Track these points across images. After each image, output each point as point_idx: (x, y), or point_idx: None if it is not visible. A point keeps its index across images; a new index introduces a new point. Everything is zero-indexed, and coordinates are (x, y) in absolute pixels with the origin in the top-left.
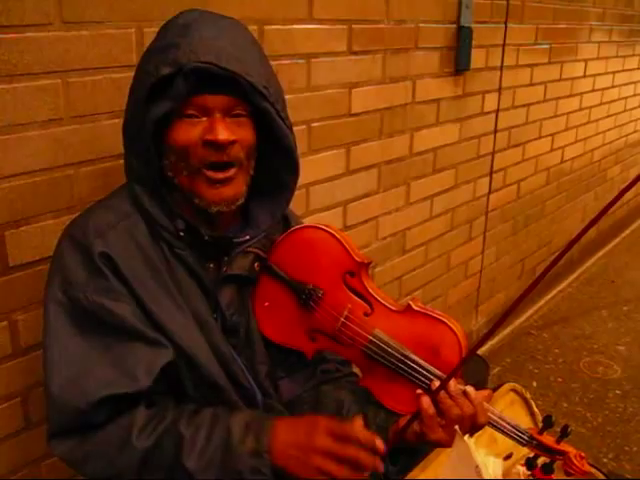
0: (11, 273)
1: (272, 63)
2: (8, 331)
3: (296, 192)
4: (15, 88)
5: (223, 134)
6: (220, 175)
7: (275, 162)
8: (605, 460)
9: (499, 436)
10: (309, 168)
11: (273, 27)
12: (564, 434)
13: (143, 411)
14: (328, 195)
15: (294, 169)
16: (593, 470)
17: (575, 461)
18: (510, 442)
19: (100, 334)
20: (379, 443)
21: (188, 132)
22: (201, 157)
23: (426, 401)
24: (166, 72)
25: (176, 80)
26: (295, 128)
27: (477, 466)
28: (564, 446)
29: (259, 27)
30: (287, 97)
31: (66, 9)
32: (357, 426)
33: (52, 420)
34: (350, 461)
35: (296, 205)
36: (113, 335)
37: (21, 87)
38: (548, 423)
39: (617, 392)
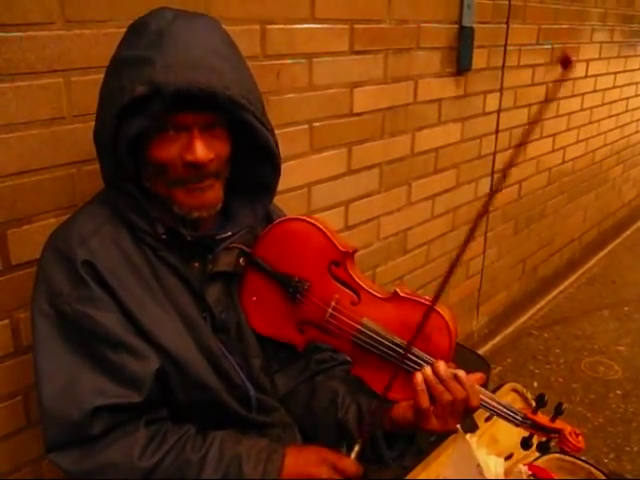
0: (13, 272)
1: (274, 62)
2: (10, 329)
3: (298, 191)
4: (17, 87)
5: (202, 153)
6: (197, 185)
7: (256, 162)
8: (606, 460)
9: (500, 436)
10: (311, 168)
11: (275, 27)
12: (558, 412)
13: (144, 430)
14: (330, 195)
15: (276, 169)
16: (594, 470)
17: (570, 438)
18: (511, 442)
19: (88, 344)
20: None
21: (166, 149)
22: (181, 174)
23: (424, 400)
24: (141, 92)
25: (152, 100)
26: (297, 128)
27: (478, 465)
28: (559, 424)
29: (261, 27)
30: (289, 96)
31: (68, 8)
32: (353, 461)
33: (48, 433)
34: None
35: (298, 205)
36: (100, 345)
37: (23, 86)
38: (541, 402)
39: (618, 392)
